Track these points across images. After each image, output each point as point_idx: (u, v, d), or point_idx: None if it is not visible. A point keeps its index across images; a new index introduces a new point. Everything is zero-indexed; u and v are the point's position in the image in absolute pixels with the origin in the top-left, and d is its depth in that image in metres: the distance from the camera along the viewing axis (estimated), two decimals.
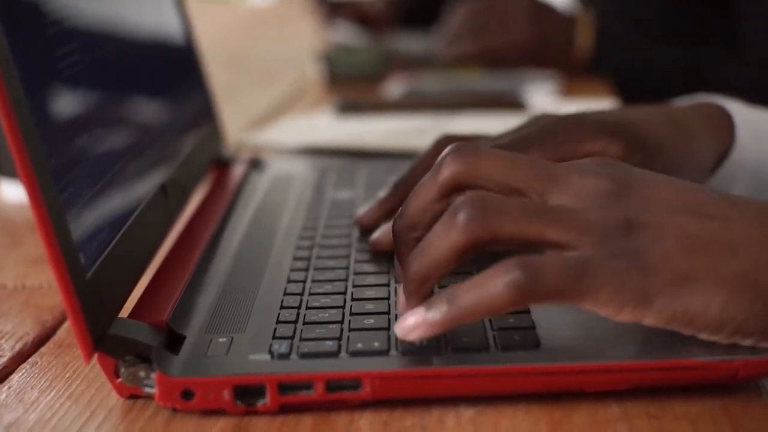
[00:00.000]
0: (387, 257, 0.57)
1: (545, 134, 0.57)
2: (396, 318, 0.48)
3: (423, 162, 0.60)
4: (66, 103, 0.50)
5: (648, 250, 0.42)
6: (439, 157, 0.47)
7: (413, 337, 0.44)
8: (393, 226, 0.48)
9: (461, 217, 0.43)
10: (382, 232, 0.59)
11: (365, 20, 1.76)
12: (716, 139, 0.62)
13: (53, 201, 0.43)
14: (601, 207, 0.44)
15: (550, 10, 1.40)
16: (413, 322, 0.44)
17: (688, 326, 0.43)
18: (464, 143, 0.46)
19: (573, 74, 1.35)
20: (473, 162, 0.45)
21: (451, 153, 0.46)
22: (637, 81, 1.35)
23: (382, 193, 0.62)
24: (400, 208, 0.48)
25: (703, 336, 0.43)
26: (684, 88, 1.31)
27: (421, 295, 0.45)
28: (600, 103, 1.14)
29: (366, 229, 0.62)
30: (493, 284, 0.42)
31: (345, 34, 1.74)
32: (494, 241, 0.43)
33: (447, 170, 0.46)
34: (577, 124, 0.58)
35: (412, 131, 1.00)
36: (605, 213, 0.43)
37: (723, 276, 0.42)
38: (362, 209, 0.63)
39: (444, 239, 0.43)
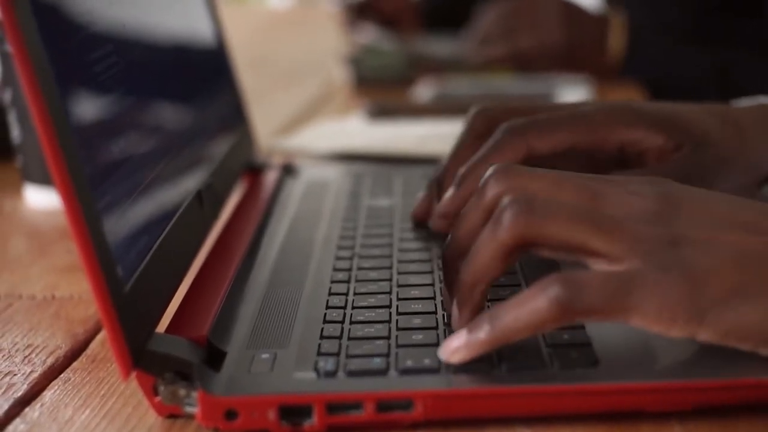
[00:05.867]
0: (431, 268, 0.55)
1: (578, 118, 0.57)
2: (445, 333, 0.47)
3: (466, 143, 0.60)
4: (102, 108, 0.48)
5: (698, 262, 0.41)
6: (482, 180, 0.45)
7: (457, 359, 0.43)
8: (442, 255, 0.47)
9: (507, 215, 0.42)
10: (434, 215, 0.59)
11: (391, 23, 1.74)
12: None
13: (90, 212, 0.41)
14: (649, 223, 0.42)
15: (582, 12, 1.37)
16: (456, 344, 0.42)
17: (744, 341, 0.41)
18: (505, 165, 0.45)
19: (605, 77, 1.32)
20: (519, 185, 0.44)
21: (494, 175, 0.45)
22: (667, 85, 1.32)
23: (430, 182, 0.62)
24: (449, 236, 0.47)
25: (764, 352, 0.42)
26: (714, 91, 1.29)
27: (473, 302, 0.44)
28: None
29: (421, 221, 0.63)
30: (535, 301, 0.41)
31: (370, 36, 1.71)
32: (539, 241, 0.42)
33: (492, 194, 0.44)
34: (613, 111, 0.58)
35: (445, 136, 0.97)
36: (652, 228, 0.42)
37: None
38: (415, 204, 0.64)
39: (491, 240, 0.43)
